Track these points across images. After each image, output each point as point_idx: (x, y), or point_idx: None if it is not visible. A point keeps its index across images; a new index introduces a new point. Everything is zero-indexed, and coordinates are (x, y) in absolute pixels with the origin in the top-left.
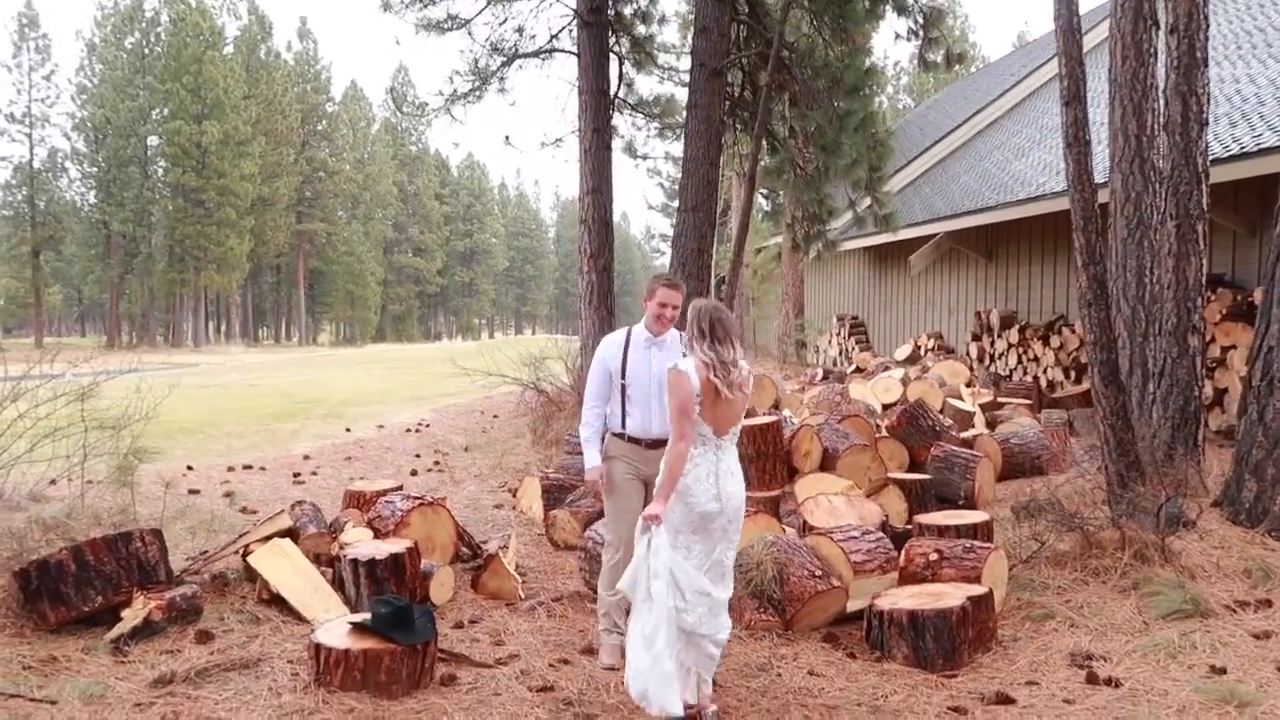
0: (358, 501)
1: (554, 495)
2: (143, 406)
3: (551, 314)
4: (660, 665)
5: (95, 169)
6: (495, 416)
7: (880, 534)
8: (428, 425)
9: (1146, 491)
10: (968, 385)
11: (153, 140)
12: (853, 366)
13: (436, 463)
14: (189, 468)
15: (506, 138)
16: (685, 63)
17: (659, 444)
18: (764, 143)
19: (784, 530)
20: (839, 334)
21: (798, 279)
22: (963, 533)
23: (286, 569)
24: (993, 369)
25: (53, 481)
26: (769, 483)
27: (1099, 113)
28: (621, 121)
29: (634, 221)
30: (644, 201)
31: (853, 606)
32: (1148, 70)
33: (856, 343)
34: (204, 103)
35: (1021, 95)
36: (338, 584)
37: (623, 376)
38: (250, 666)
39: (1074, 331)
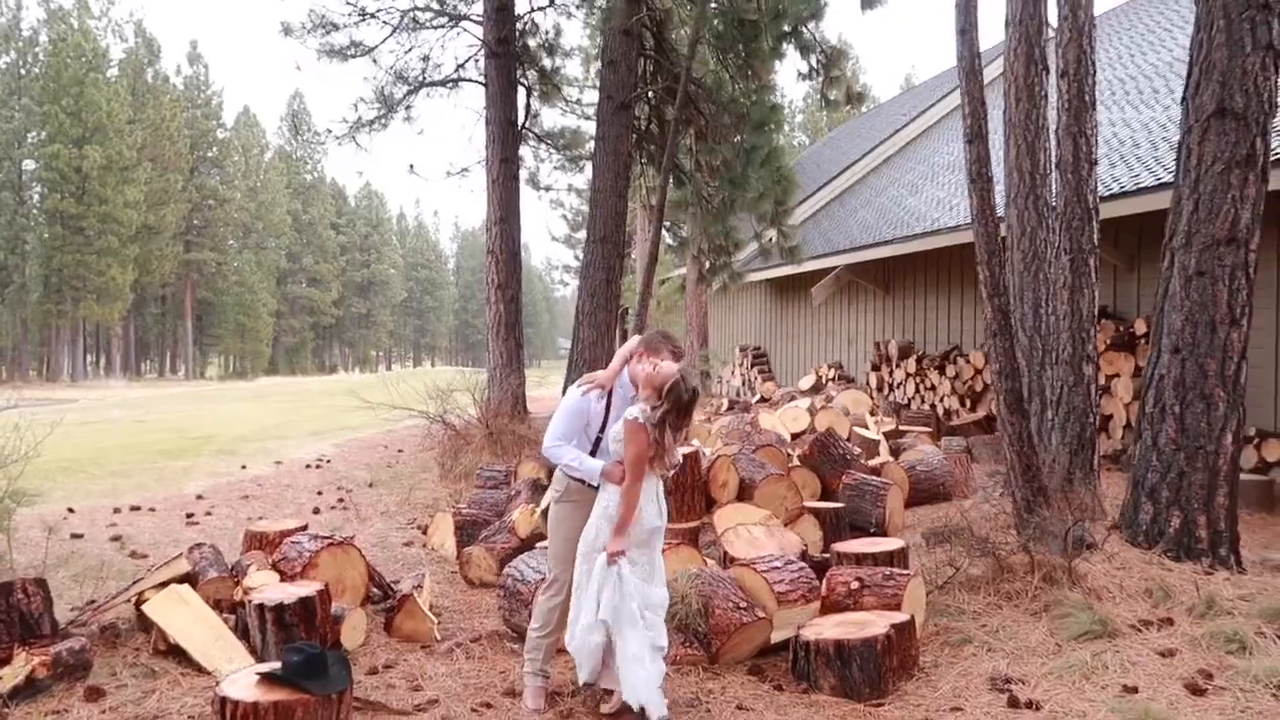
0: (260, 542)
1: (467, 531)
2: (21, 445)
3: (451, 346)
4: (652, 676)
5: None
6: (400, 451)
7: (802, 564)
8: (329, 461)
9: (1052, 515)
10: (871, 414)
11: (29, 165)
12: (757, 396)
13: (340, 500)
14: (70, 510)
15: (411, 166)
16: (590, 96)
17: None
18: (671, 176)
19: (705, 562)
20: (742, 365)
21: (701, 310)
22: (880, 560)
23: (185, 617)
24: (892, 398)
25: None
26: (688, 514)
27: (994, 151)
28: (526, 153)
29: (535, 253)
30: (547, 233)
31: (777, 637)
32: (1040, 112)
33: (759, 373)
34: (85, 126)
35: (913, 134)
36: (242, 631)
37: (601, 430)
38: None
39: (969, 361)
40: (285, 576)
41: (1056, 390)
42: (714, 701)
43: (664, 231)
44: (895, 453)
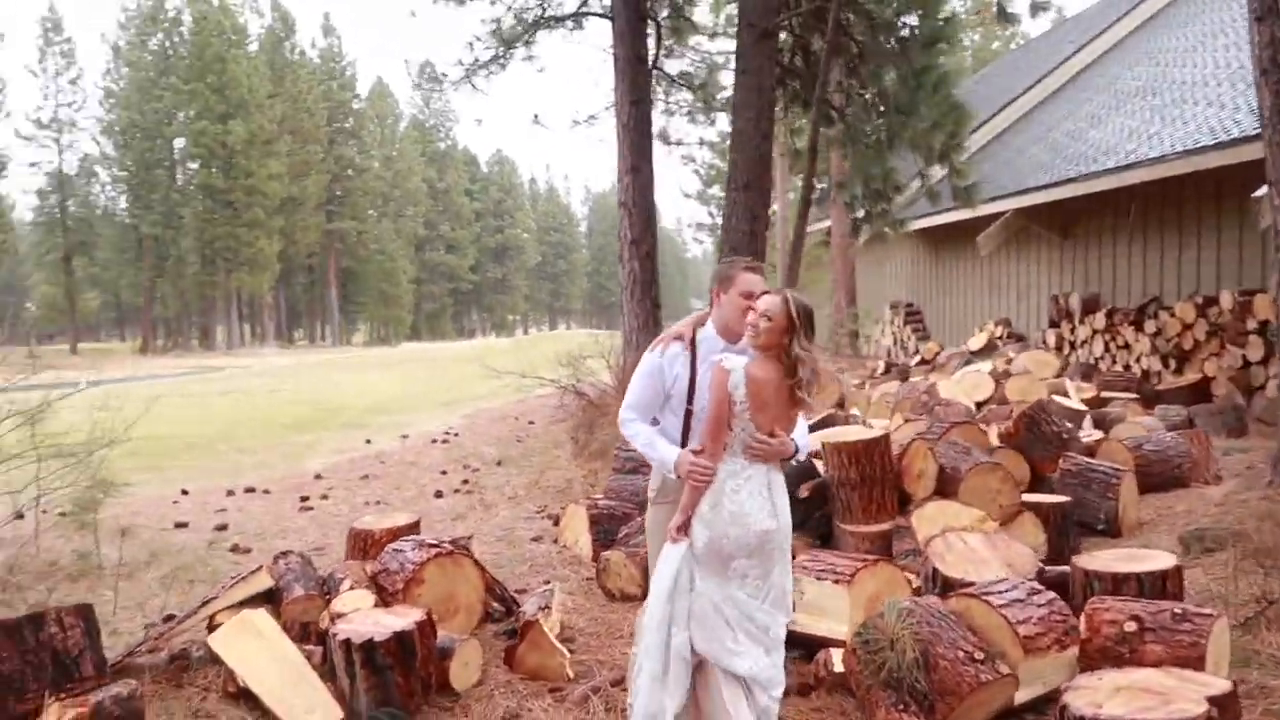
0: (363, 543)
1: (604, 529)
2: (115, 425)
3: (585, 309)
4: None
5: (125, 172)
6: (531, 423)
7: (1053, 595)
8: (456, 435)
9: None
10: (1063, 376)
11: (179, 142)
12: (916, 358)
13: (465, 481)
14: (184, 492)
15: (535, 116)
16: (720, 45)
17: None
18: (821, 110)
19: (909, 581)
20: (894, 323)
21: (848, 265)
22: (1148, 585)
23: (260, 653)
24: (1074, 358)
25: (19, 515)
26: (876, 513)
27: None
28: (656, 106)
29: (666, 213)
30: (679, 190)
31: (1019, 698)
32: None
33: (913, 331)
34: (229, 102)
35: (1085, 62)
36: (332, 667)
37: (689, 401)
38: None
39: (1174, 315)
40: (385, 593)
41: None
42: None
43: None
44: (1102, 426)
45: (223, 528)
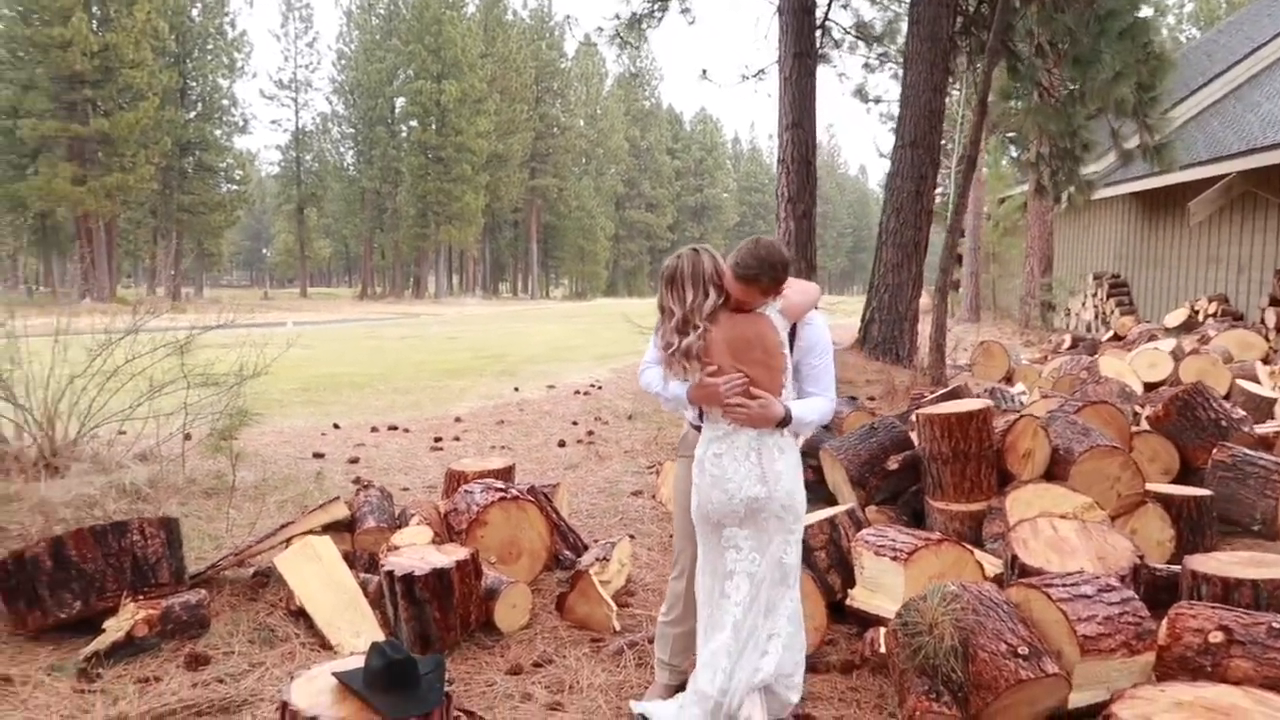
0: (457, 483)
1: None
2: (260, 361)
3: None
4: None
5: (351, 129)
6: None
7: (1128, 591)
8: (599, 387)
9: None
10: (1264, 362)
11: (399, 100)
12: (1109, 333)
13: (590, 432)
14: (335, 425)
15: (704, 72)
16: None
17: None
18: (1004, 62)
19: (980, 567)
20: (1095, 295)
21: (1045, 231)
22: (1269, 594)
23: (317, 576)
24: None
25: (189, 435)
26: (970, 492)
27: None
28: (853, 63)
29: (872, 174)
30: (875, 149)
31: (1078, 700)
32: None
33: (1117, 305)
34: (443, 62)
35: None
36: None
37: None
38: (231, 712)
39: None
40: (453, 531)
41: None
42: None
43: (1006, 143)
44: None
45: (354, 460)
